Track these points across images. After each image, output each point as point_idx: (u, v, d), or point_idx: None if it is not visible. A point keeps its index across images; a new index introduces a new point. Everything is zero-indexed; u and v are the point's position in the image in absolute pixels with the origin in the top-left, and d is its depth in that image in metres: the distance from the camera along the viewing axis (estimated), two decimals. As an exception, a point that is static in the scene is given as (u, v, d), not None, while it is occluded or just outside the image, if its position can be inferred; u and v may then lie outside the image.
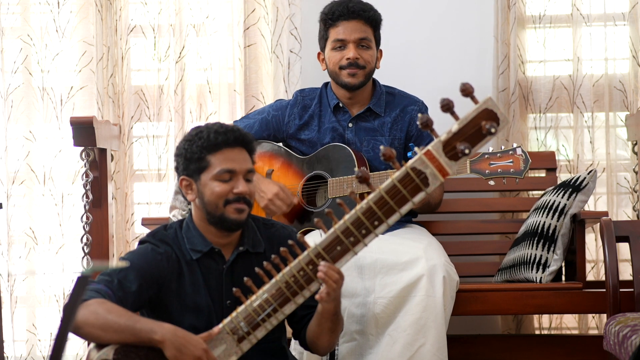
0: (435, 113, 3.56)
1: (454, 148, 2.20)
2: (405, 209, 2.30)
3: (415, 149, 2.27)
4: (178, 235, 2.74)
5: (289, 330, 2.85)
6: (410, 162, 2.25)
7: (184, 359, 2.50)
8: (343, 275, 2.54)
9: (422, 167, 2.25)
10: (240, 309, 2.54)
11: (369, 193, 2.37)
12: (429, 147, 2.23)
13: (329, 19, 3.49)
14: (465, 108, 2.24)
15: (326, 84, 3.63)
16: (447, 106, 2.13)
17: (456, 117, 2.18)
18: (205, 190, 2.67)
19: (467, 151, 2.17)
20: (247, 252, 2.74)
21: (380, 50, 3.56)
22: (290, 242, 2.52)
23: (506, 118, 2.17)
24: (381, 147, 2.23)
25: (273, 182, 3.50)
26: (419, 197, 2.29)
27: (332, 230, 2.41)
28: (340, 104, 3.57)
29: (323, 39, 3.54)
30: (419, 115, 2.17)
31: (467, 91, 2.12)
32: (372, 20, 3.49)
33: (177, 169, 2.74)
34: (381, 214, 2.33)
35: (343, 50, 3.48)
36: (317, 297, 2.54)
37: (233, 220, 2.67)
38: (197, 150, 2.66)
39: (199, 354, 2.51)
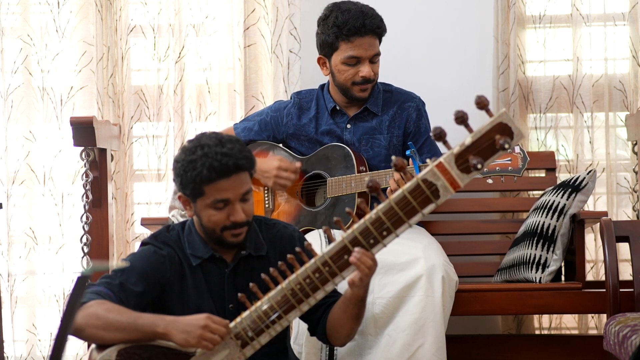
0: (435, 112, 3.60)
1: (467, 161, 2.17)
2: (414, 220, 2.28)
3: (427, 160, 2.25)
4: (181, 238, 2.74)
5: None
6: (421, 173, 2.23)
7: (193, 336, 2.50)
8: (377, 262, 2.49)
9: (434, 179, 2.22)
10: (245, 314, 2.53)
11: (368, 193, 2.35)
12: (441, 159, 2.20)
13: (342, 33, 3.42)
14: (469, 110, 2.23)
15: (322, 86, 3.62)
16: (461, 119, 2.09)
17: (470, 130, 2.14)
18: (201, 215, 2.65)
19: (479, 166, 2.13)
20: (249, 255, 2.73)
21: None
22: (297, 249, 2.51)
23: (521, 132, 2.13)
24: (393, 157, 2.21)
25: (269, 159, 3.52)
26: (429, 209, 2.26)
27: (340, 239, 2.39)
28: (338, 107, 3.56)
29: (330, 47, 3.46)
30: (433, 127, 2.15)
31: (482, 104, 2.09)
32: (383, 34, 3.46)
33: (174, 181, 2.71)
34: (390, 224, 2.31)
35: (357, 66, 3.44)
36: (348, 280, 2.50)
37: (231, 243, 2.67)
38: (192, 180, 2.61)
39: (203, 323, 2.50)
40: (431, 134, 2.14)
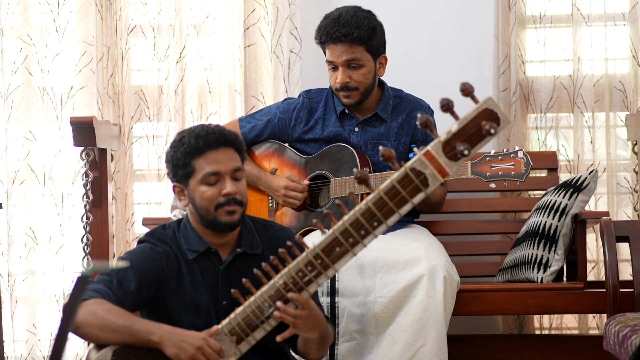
0: (440, 115, 3.59)
1: (454, 148, 2.17)
2: (404, 209, 2.28)
3: (415, 149, 2.25)
4: (176, 235, 2.74)
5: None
6: (409, 162, 2.23)
7: (186, 354, 2.50)
8: (310, 306, 2.53)
9: (422, 168, 2.22)
10: (239, 310, 2.53)
11: (369, 194, 2.35)
12: (429, 147, 2.20)
13: (320, 41, 3.47)
14: (467, 107, 2.23)
15: (332, 87, 3.63)
16: (446, 106, 2.10)
17: (456, 117, 2.15)
18: (195, 195, 2.66)
19: (466, 152, 2.14)
20: (245, 253, 2.73)
21: (385, 57, 3.52)
22: (289, 243, 2.51)
23: (507, 118, 2.14)
24: (380, 148, 2.20)
25: (278, 177, 3.53)
26: (418, 198, 2.26)
27: (330, 231, 2.38)
28: (347, 111, 3.56)
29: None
30: (418, 115, 2.14)
31: (467, 91, 2.10)
32: (359, 39, 3.41)
33: (168, 175, 2.74)
34: (380, 215, 2.30)
35: (335, 71, 3.46)
36: (285, 334, 2.55)
37: (225, 223, 2.66)
38: (182, 157, 2.65)
39: (198, 344, 2.51)
40: (417, 122, 2.14)
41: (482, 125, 2.14)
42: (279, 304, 2.48)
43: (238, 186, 2.66)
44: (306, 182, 3.54)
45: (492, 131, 2.11)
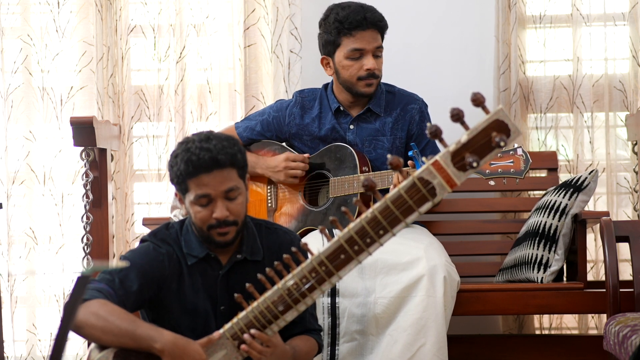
0: (436, 112, 3.60)
1: (463, 159, 2.14)
2: (411, 218, 2.26)
3: (423, 158, 2.22)
4: (179, 237, 2.74)
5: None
6: (417, 172, 2.20)
7: None
8: (274, 343, 2.54)
9: (430, 178, 2.20)
10: (242, 314, 2.53)
11: (368, 196, 2.33)
12: (437, 157, 2.18)
13: (344, 28, 3.43)
14: (468, 110, 2.23)
15: (326, 86, 3.62)
16: (457, 116, 2.06)
17: (466, 127, 2.12)
18: (190, 211, 2.66)
19: (475, 164, 2.10)
20: (245, 259, 2.72)
21: None
22: (293, 249, 2.50)
23: (517, 130, 2.10)
24: (388, 156, 2.18)
25: (277, 155, 3.55)
26: (425, 207, 2.24)
27: (336, 238, 2.37)
28: (341, 108, 3.56)
29: (332, 45, 3.47)
30: (427, 124, 2.13)
31: (478, 101, 2.06)
32: (385, 27, 3.48)
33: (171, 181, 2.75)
34: (386, 223, 2.28)
35: (360, 60, 3.44)
36: None
37: (219, 242, 2.66)
38: (176, 176, 2.63)
39: None
40: (427, 132, 2.11)
41: (492, 137, 2.11)
42: (246, 337, 2.50)
43: (232, 206, 2.63)
44: (306, 154, 3.55)
45: (502, 143, 2.08)
